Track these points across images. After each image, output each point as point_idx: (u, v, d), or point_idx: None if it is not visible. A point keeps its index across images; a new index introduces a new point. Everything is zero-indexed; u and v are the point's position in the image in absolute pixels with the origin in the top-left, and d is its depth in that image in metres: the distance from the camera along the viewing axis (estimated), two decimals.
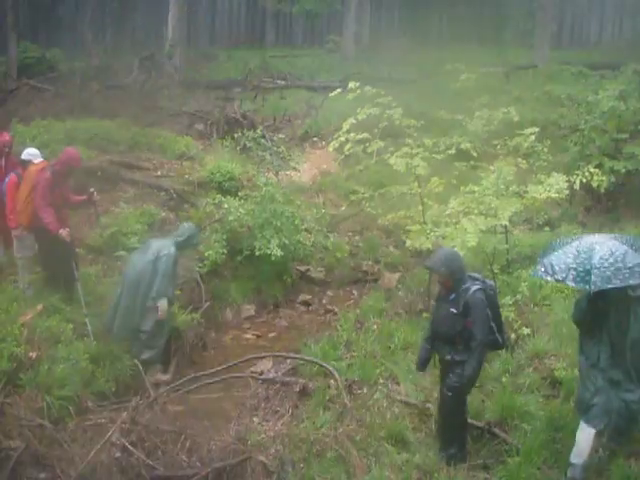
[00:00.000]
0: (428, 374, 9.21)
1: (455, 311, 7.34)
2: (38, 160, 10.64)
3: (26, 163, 10.65)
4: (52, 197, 10.03)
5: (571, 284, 6.79)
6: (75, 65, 28.31)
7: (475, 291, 7.37)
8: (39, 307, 9.56)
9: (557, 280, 6.90)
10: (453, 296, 7.40)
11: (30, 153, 10.75)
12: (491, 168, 10.91)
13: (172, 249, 10.01)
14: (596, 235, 7.22)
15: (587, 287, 6.52)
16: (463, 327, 7.31)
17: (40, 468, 7.11)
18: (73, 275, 10.22)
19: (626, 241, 6.88)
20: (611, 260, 6.53)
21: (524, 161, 11.10)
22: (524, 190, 10.81)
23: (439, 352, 7.65)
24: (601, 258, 6.56)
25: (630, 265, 6.51)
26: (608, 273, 6.46)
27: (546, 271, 6.85)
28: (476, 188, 10.59)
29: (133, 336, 9.94)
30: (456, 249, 9.13)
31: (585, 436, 6.86)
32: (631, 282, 6.51)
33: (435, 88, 23.17)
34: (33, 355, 8.38)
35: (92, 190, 10.71)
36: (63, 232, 9.92)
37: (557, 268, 6.74)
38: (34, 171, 10.18)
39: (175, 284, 10.43)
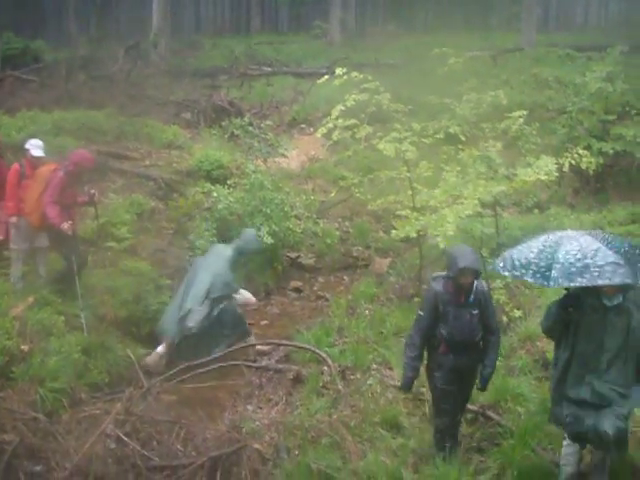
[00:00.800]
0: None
1: (476, 312, 6.99)
2: (38, 153, 10.54)
3: (25, 152, 10.58)
4: (63, 197, 10.06)
5: (530, 280, 6.16)
6: (60, 55, 28.23)
7: (482, 284, 7.12)
8: (30, 300, 9.50)
9: (515, 276, 6.46)
10: (472, 298, 7.01)
11: (32, 144, 10.66)
12: (460, 155, 10.91)
13: (229, 252, 10.74)
14: (568, 230, 6.66)
15: (545, 283, 5.94)
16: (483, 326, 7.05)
17: (35, 461, 7.08)
18: (72, 269, 10.21)
19: (602, 238, 6.18)
20: (579, 256, 5.86)
21: (498, 144, 11.05)
22: (513, 173, 10.82)
23: (458, 362, 7.05)
24: (567, 253, 5.94)
25: (601, 263, 5.78)
26: (573, 270, 5.79)
27: (505, 266, 6.30)
28: (453, 178, 10.61)
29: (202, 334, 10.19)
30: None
31: (566, 447, 6.47)
32: (599, 282, 5.77)
33: (422, 73, 23.12)
34: (25, 348, 8.34)
35: (93, 192, 10.69)
36: (65, 225, 9.93)
37: (517, 263, 6.17)
38: (46, 171, 10.16)
39: (232, 285, 10.76)
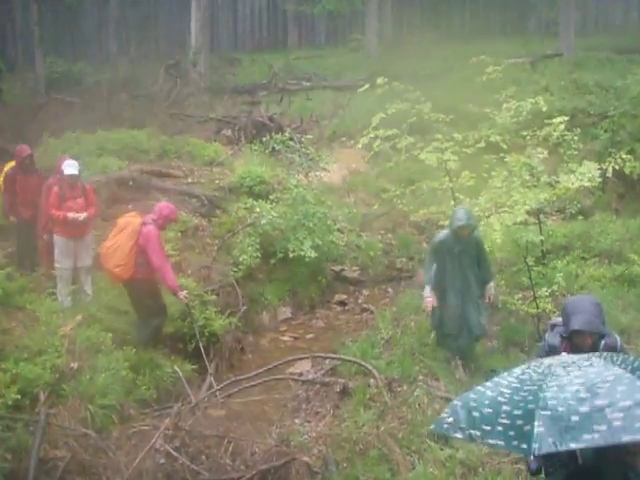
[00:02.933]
0: (468, 369, 9.23)
1: None
2: (71, 171, 10.70)
3: (62, 174, 10.76)
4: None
5: (498, 443, 4.03)
6: (101, 77, 28.57)
7: (613, 339, 5.54)
8: (78, 318, 9.64)
9: (472, 438, 4.16)
10: None
11: (67, 163, 10.84)
12: (506, 161, 10.82)
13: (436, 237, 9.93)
14: (563, 354, 5.03)
15: (524, 450, 3.82)
16: None
17: (86, 477, 7.17)
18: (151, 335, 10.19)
19: (622, 362, 4.24)
20: (582, 395, 3.81)
21: (544, 151, 10.94)
22: (556, 180, 10.72)
23: None
24: (561, 390, 3.89)
25: (624, 404, 3.69)
26: (573, 420, 3.70)
27: (455, 422, 4.20)
28: (499, 184, 10.53)
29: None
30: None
31: None
32: (624, 438, 3.63)
33: (461, 82, 23.08)
34: (75, 365, 8.45)
35: None
36: (181, 294, 9.98)
37: (476, 415, 4.12)
38: (136, 224, 9.92)
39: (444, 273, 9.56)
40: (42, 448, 7.20)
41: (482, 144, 10.97)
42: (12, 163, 11.97)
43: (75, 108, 24.71)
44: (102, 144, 16.48)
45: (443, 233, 9.53)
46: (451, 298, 9.48)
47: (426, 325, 10.55)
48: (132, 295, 10.16)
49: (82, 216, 10.73)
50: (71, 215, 10.65)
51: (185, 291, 10.07)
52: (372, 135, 11.19)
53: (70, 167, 10.81)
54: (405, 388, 8.85)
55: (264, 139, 17.33)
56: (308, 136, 18.45)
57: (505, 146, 11.04)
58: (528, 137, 11.17)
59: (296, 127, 21.01)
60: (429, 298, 9.50)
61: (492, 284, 9.75)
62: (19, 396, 7.75)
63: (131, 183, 14.43)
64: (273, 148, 16.49)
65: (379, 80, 11.24)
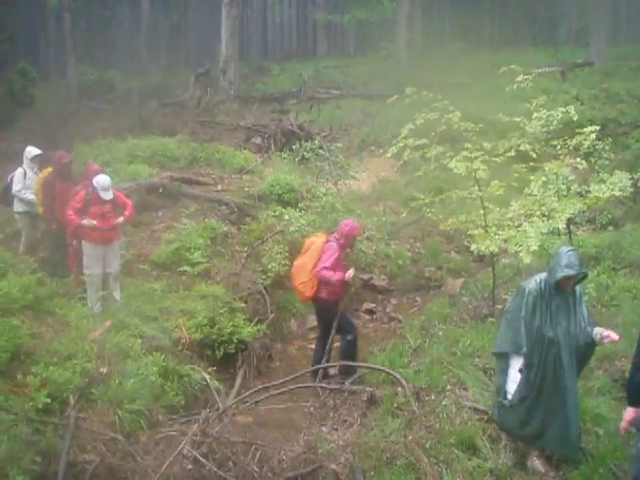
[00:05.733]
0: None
1: None
2: (108, 196, 10.85)
3: (95, 189, 10.85)
4: (337, 268, 10.04)
5: None
6: (132, 84, 28.85)
7: None
8: (108, 323, 9.71)
9: None
10: None
11: (99, 183, 10.86)
12: (545, 169, 10.78)
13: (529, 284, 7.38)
14: None
15: None
16: None
17: None
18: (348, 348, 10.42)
19: None
20: None
21: (582, 161, 10.89)
22: (586, 190, 10.65)
23: None
24: None
25: None
26: None
27: None
28: (535, 191, 10.48)
29: None
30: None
31: None
32: None
33: (490, 91, 23.07)
34: (104, 370, 8.50)
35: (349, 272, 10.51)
36: (349, 273, 10.02)
37: None
38: (319, 243, 10.27)
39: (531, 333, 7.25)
40: (71, 452, 7.24)
41: (512, 153, 10.91)
42: (49, 169, 12.09)
43: (106, 115, 24.96)
44: (133, 151, 16.60)
45: (536, 281, 7.15)
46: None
47: (454, 334, 10.51)
48: (318, 313, 10.73)
49: (93, 223, 10.81)
50: (86, 222, 10.76)
51: (351, 270, 10.09)
52: (401, 144, 11.17)
53: (108, 192, 10.91)
54: (433, 397, 8.79)
55: (294, 147, 17.40)
56: (337, 144, 18.47)
57: (535, 155, 10.99)
58: (559, 147, 11.12)
59: (325, 135, 21.07)
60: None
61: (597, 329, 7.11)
62: (49, 400, 7.81)
63: (161, 190, 14.52)
64: (302, 156, 16.54)
65: (408, 90, 11.23)
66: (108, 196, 10.88)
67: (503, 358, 7.39)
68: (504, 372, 7.36)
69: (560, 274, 6.78)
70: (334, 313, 10.24)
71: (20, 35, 32.50)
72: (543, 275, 7.16)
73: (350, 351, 10.31)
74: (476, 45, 36.54)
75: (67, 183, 11.78)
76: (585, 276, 7.16)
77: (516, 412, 7.29)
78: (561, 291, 6.97)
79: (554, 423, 7.16)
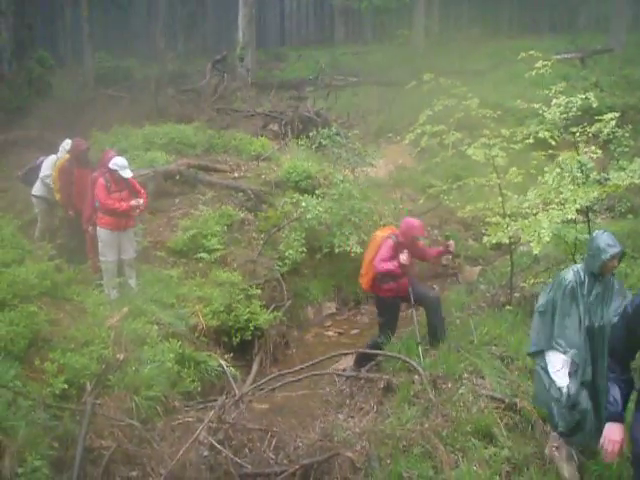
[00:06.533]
0: (514, 367, 9.12)
1: None
2: (128, 174, 10.90)
3: (114, 172, 10.87)
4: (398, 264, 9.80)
5: None
6: (149, 72, 28.86)
7: None
8: (125, 310, 9.74)
9: None
10: None
11: (117, 164, 10.93)
12: (559, 159, 10.67)
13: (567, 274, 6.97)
14: None
15: None
16: None
17: (131, 467, 7.23)
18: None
19: None
20: None
21: (596, 149, 10.75)
22: (605, 177, 10.55)
23: None
24: None
25: None
26: None
27: None
28: (550, 181, 10.38)
29: None
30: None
31: None
32: None
33: (509, 78, 22.93)
34: (121, 357, 8.52)
35: (450, 242, 10.60)
36: (402, 257, 9.72)
37: None
38: (379, 238, 10.10)
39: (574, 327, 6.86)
40: (88, 437, 7.27)
41: (531, 140, 10.82)
42: (66, 156, 12.14)
43: (123, 103, 24.96)
44: (149, 138, 16.59)
45: (573, 271, 6.84)
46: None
47: (472, 322, 10.43)
48: (376, 306, 10.62)
49: (140, 202, 10.99)
50: (134, 203, 10.94)
51: (403, 256, 9.73)
52: (419, 131, 11.11)
53: (126, 170, 10.95)
54: (450, 385, 8.75)
55: (311, 134, 17.33)
56: (354, 131, 18.41)
57: (554, 142, 10.89)
58: (578, 134, 11.01)
59: (342, 122, 21.01)
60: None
61: None
62: (66, 386, 7.86)
63: (178, 177, 14.53)
64: (320, 143, 16.49)
65: (426, 76, 11.16)
66: (128, 174, 10.98)
67: (540, 356, 7.08)
68: (546, 372, 6.99)
69: (606, 255, 6.47)
70: (389, 311, 10.20)
71: (38, 23, 32.54)
72: (579, 265, 6.90)
73: (372, 348, 10.22)
74: (494, 31, 36.31)
75: (85, 170, 11.83)
76: (624, 254, 6.95)
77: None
78: (604, 275, 6.65)
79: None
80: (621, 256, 6.72)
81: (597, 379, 6.72)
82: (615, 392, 5.33)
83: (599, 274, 6.63)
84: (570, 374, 6.78)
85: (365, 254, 10.40)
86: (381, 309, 10.30)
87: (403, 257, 9.64)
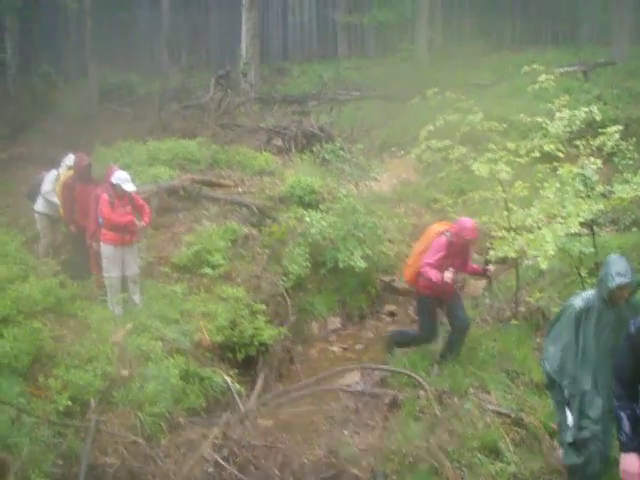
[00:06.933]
0: (520, 382, 9.08)
1: None
2: (131, 188, 10.90)
3: (116, 187, 10.86)
4: (444, 263, 9.48)
5: None
6: (153, 87, 28.90)
7: None
8: (129, 326, 9.71)
9: None
10: None
11: (119, 177, 10.93)
12: (560, 172, 10.64)
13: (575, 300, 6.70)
14: None
15: None
16: None
17: None
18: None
19: None
20: None
21: (596, 161, 10.71)
22: (610, 190, 10.54)
23: None
24: None
25: None
26: None
27: None
28: (551, 195, 10.36)
29: None
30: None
31: None
32: None
33: (512, 91, 22.95)
34: (125, 373, 8.52)
35: (490, 267, 10.24)
36: (448, 274, 9.26)
37: None
38: (433, 233, 9.84)
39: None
40: (92, 454, 7.26)
41: (536, 154, 10.80)
42: (70, 172, 12.15)
43: (127, 118, 25.06)
44: (153, 154, 16.59)
45: (582, 298, 6.52)
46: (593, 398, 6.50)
47: (477, 336, 10.39)
48: (416, 302, 10.50)
49: (142, 224, 11.04)
50: (137, 223, 10.94)
51: (448, 273, 9.31)
52: (424, 146, 11.09)
53: (129, 184, 10.94)
54: (456, 400, 8.73)
55: (314, 149, 17.33)
56: (358, 146, 18.38)
57: (561, 155, 10.87)
58: (581, 147, 11.00)
59: (346, 137, 20.96)
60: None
61: None
62: (70, 402, 7.86)
63: (182, 192, 14.52)
64: (323, 158, 16.49)
65: (429, 92, 11.16)
66: (130, 187, 10.95)
67: (556, 389, 6.67)
68: (561, 405, 6.64)
69: (613, 284, 6.04)
70: (427, 310, 9.99)
71: (42, 38, 32.68)
72: (591, 291, 6.55)
73: (404, 342, 10.42)
74: (497, 44, 36.36)
75: (87, 186, 11.83)
76: (639, 285, 6.43)
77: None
78: (614, 304, 6.25)
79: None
80: (635, 288, 6.31)
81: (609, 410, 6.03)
82: (625, 421, 5.23)
83: (609, 301, 6.24)
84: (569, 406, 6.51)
85: (415, 245, 10.23)
86: (419, 306, 10.24)
87: (448, 275, 9.25)
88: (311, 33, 47.29)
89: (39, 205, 12.68)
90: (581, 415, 6.46)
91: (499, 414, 8.35)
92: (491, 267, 10.22)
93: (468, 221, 9.66)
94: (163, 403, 8.42)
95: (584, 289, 10.00)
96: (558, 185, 10.34)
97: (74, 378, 8.11)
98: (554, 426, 7.50)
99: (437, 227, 9.97)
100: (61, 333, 9.40)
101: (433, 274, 9.29)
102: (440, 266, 9.35)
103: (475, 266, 10.29)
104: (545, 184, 10.61)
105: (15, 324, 8.82)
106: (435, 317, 10.09)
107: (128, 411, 8.14)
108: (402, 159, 19.30)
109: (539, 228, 10.12)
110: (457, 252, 9.63)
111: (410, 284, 10.28)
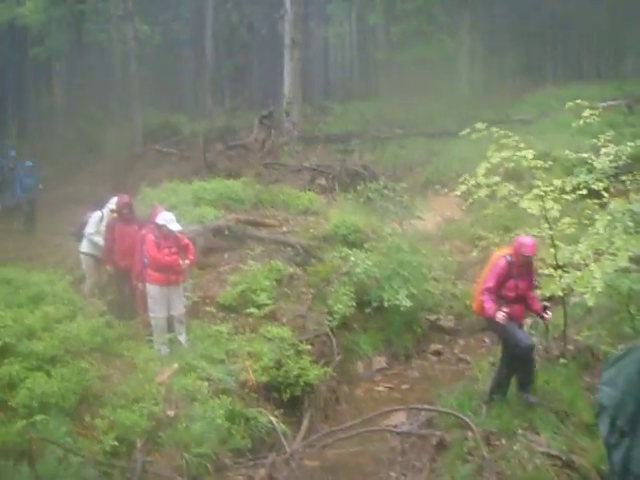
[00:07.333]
0: (570, 422, 8.91)
1: None
2: (176, 227, 10.99)
3: (161, 227, 10.96)
4: (504, 288, 9.21)
5: None
6: (197, 128, 29.24)
7: None
8: (175, 366, 9.74)
9: None
10: None
11: (164, 218, 11.03)
12: (610, 207, 10.50)
13: None
14: None
15: None
16: None
17: None
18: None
19: None
20: None
21: None
22: None
23: None
24: None
25: None
26: None
27: None
28: (601, 230, 10.23)
29: None
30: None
31: None
32: None
33: (555, 126, 22.81)
34: (171, 413, 8.53)
35: (549, 314, 9.65)
36: (499, 314, 8.88)
37: None
38: (495, 256, 9.51)
39: None
40: None
41: (584, 191, 10.69)
42: (114, 215, 12.31)
43: (172, 158, 25.34)
44: (198, 194, 16.72)
45: None
46: None
47: None
48: (492, 328, 9.78)
49: (187, 263, 11.08)
50: (181, 263, 11.00)
51: (502, 313, 8.88)
52: (472, 182, 11.02)
53: (174, 223, 11.04)
54: (504, 442, 8.58)
55: (358, 187, 17.36)
56: (402, 184, 18.41)
57: (606, 193, 10.75)
58: (628, 182, 10.88)
59: (390, 175, 21.06)
60: None
61: None
62: (116, 443, 7.89)
63: (227, 232, 14.59)
64: (367, 196, 16.51)
65: (478, 125, 11.11)
66: (176, 227, 11.03)
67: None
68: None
69: None
70: (497, 330, 9.38)
71: (88, 81, 33.36)
72: None
73: (528, 363, 9.28)
74: (539, 80, 36.26)
75: (128, 226, 11.94)
76: None
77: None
78: None
79: None
80: None
81: None
82: None
83: None
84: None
85: (481, 275, 9.68)
86: (498, 329, 9.32)
87: (500, 316, 8.83)
88: (352, 71, 47.68)
89: (84, 246, 12.83)
90: None
91: (549, 456, 8.18)
92: (550, 314, 9.74)
93: (526, 238, 9.43)
94: (209, 444, 8.42)
95: (634, 327, 9.86)
96: (610, 218, 10.19)
97: (120, 418, 8.14)
98: (605, 468, 7.34)
99: (498, 252, 9.68)
100: (108, 373, 9.45)
101: (488, 305, 9.02)
102: (501, 289, 9.11)
103: (537, 305, 9.72)
104: (596, 218, 10.48)
105: (63, 364, 8.88)
106: (518, 327, 9.40)
107: (174, 451, 8.15)
108: (446, 197, 19.21)
109: (586, 265, 9.99)
110: (519, 273, 9.29)
111: (481, 315, 9.60)
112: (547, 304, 9.72)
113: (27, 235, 20.26)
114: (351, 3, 43.44)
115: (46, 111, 40.28)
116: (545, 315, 9.63)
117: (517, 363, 9.32)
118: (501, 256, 9.35)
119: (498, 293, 9.14)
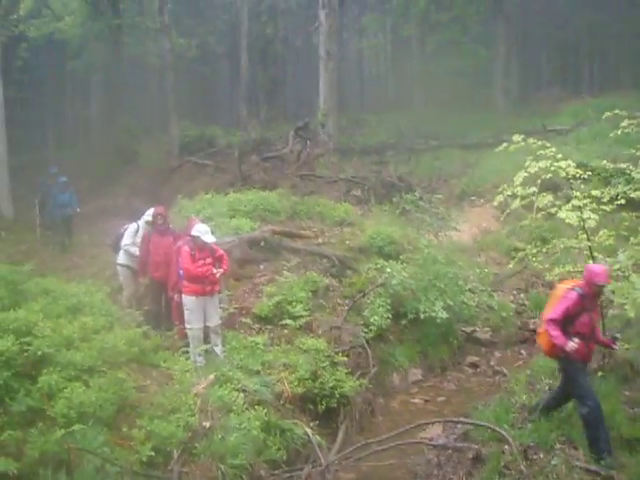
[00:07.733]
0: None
1: None
2: (211, 239, 11.05)
3: (196, 239, 11.02)
4: (579, 324, 8.59)
5: None
6: (233, 139, 29.35)
7: None
8: (211, 377, 9.75)
9: None
10: None
11: (199, 230, 11.10)
12: None
13: None
14: None
15: None
16: None
17: None
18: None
19: None
20: None
21: None
22: None
23: None
24: None
25: None
26: None
27: None
28: None
29: None
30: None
31: None
32: None
33: (592, 136, 22.63)
34: (207, 424, 8.53)
35: (617, 345, 9.15)
36: (570, 344, 8.39)
37: None
38: (561, 290, 8.85)
39: None
40: None
41: (622, 201, 10.58)
42: (149, 227, 12.44)
43: (208, 170, 25.45)
44: (234, 205, 16.79)
45: None
46: None
47: None
48: (564, 372, 9.15)
49: (219, 271, 11.09)
50: (216, 271, 11.03)
51: (573, 342, 8.41)
52: (509, 193, 10.93)
53: (209, 235, 11.10)
54: (542, 456, 8.49)
55: (394, 199, 17.33)
56: (437, 195, 18.34)
57: None
58: None
59: (425, 186, 20.97)
60: None
61: None
62: (153, 453, 7.90)
63: (262, 244, 14.62)
64: (403, 208, 16.48)
65: (515, 137, 11.03)
66: (210, 239, 11.10)
67: None
68: None
69: None
70: (577, 373, 8.75)
71: (124, 93, 33.67)
72: None
73: (591, 427, 8.53)
74: (575, 90, 36.04)
75: (163, 238, 12.04)
76: None
77: None
78: None
79: None
80: None
81: None
82: None
83: None
84: None
85: (545, 311, 8.98)
86: (571, 374, 8.83)
87: (572, 345, 8.37)
88: (387, 83, 47.66)
89: (120, 257, 12.94)
90: None
91: (588, 471, 8.07)
92: (617, 345, 9.20)
93: (598, 267, 8.82)
94: (244, 455, 8.41)
95: None
96: None
97: (157, 429, 8.16)
98: None
99: (563, 286, 8.95)
100: (144, 383, 9.49)
101: (556, 333, 8.46)
102: (574, 324, 8.55)
103: (602, 337, 9.22)
104: None
105: (100, 374, 8.93)
106: (587, 381, 8.89)
107: (210, 462, 8.15)
108: (482, 208, 19.16)
109: (626, 277, 9.88)
110: (592, 305, 8.73)
111: (551, 355, 9.06)
112: (618, 335, 9.22)
113: (64, 250, 20.34)
114: (385, 15, 43.49)
115: (83, 124, 40.76)
116: (614, 347, 9.17)
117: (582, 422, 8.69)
118: (569, 289, 8.72)
119: (570, 329, 8.56)
